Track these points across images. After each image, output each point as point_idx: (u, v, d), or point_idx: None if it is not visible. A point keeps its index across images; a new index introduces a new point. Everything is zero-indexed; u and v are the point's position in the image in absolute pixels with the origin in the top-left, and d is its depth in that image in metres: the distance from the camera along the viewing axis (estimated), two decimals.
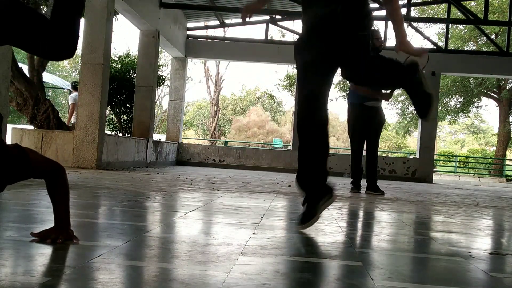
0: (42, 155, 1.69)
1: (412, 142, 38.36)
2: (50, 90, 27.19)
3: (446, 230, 2.91)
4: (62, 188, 1.74)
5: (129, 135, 10.49)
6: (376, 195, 5.52)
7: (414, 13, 20.08)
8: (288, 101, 42.95)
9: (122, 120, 10.95)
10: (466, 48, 21.87)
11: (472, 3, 18.20)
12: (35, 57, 8.05)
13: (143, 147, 9.34)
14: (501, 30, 19.73)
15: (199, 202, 3.43)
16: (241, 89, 49.53)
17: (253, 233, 2.20)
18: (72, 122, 9.72)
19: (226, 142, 21.95)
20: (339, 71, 2.65)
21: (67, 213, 1.74)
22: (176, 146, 12.13)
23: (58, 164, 1.73)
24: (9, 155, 1.55)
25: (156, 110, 15.07)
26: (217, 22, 13.40)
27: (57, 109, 8.16)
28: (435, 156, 20.24)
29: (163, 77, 11.98)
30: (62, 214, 1.73)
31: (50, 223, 1.80)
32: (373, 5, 12.33)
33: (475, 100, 24.28)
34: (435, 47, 12.53)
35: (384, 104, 6.36)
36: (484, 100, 26.51)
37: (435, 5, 20.60)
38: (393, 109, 27.12)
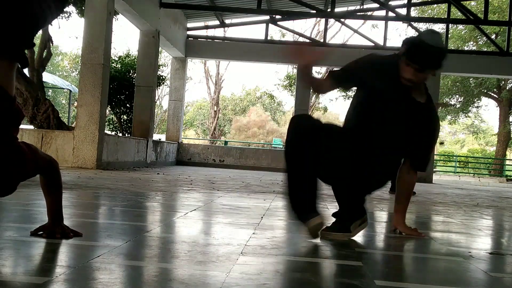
0: (41, 152, 1.70)
1: None
2: (50, 90, 27.19)
3: (446, 230, 2.91)
4: (58, 183, 1.77)
5: (129, 135, 10.49)
6: None
7: (414, 13, 20.07)
8: (288, 101, 42.93)
9: (122, 120, 10.95)
10: (466, 48, 21.86)
11: (472, 3, 18.17)
12: (35, 57, 8.05)
13: (143, 147, 9.34)
14: (501, 30, 19.72)
15: (199, 202, 3.43)
16: (241, 89, 49.46)
17: (253, 233, 2.20)
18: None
19: (226, 142, 21.93)
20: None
21: (61, 208, 1.80)
22: (176, 146, 12.13)
23: (53, 159, 1.76)
24: (23, 158, 1.55)
25: (156, 110, 15.05)
26: (217, 22, 13.39)
27: (57, 109, 8.16)
28: (435, 156, 20.23)
29: (163, 77, 11.98)
30: (58, 209, 1.77)
31: None
32: (373, 5, 12.31)
33: (475, 100, 24.26)
34: None
35: None
36: (484, 100, 26.44)
37: (435, 5, 20.57)
38: None
